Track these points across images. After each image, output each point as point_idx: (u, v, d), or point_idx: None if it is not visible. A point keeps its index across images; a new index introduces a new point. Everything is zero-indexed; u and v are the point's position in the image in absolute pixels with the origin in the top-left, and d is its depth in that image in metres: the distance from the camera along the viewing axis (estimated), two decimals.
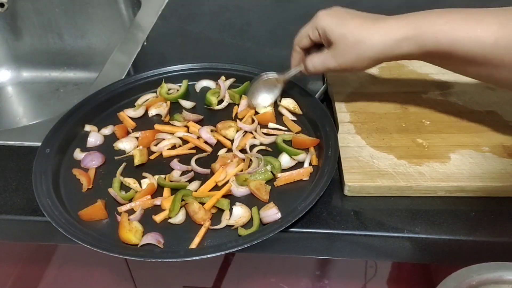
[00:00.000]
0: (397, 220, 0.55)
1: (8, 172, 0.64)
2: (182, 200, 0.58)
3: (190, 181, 0.61)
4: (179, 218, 0.56)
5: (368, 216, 0.56)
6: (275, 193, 0.59)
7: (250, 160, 0.62)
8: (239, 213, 0.56)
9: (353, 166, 0.59)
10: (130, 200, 0.59)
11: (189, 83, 0.76)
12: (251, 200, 0.58)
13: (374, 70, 0.75)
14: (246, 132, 0.67)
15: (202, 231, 0.54)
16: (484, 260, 0.50)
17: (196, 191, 0.59)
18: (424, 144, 0.62)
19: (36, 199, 0.56)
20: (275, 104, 0.72)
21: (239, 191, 0.58)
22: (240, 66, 0.75)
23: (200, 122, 0.70)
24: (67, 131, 0.67)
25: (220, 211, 0.57)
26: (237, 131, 0.67)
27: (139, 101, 0.74)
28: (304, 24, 0.63)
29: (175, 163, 0.63)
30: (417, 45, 0.54)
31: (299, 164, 0.62)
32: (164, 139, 0.67)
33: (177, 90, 0.75)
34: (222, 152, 0.65)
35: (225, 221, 0.55)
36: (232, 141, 0.66)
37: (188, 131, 0.68)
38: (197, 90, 0.77)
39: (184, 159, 0.64)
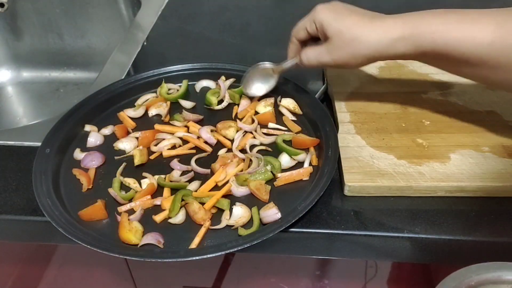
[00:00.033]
0: (397, 220, 0.55)
1: (8, 172, 0.64)
2: (182, 200, 0.58)
3: (190, 181, 0.61)
4: (179, 218, 0.56)
5: (368, 216, 0.56)
6: (275, 193, 0.59)
7: (250, 160, 0.62)
8: (239, 213, 0.56)
9: (353, 166, 0.59)
10: (130, 200, 0.59)
11: (189, 83, 0.76)
12: (251, 200, 0.58)
13: (374, 70, 0.75)
14: (246, 132, 0.67)
15: (202, 231, 0.54)
16: (484, 260, 0.50)
17: (196, 191, 0.59)
18: (424, 144, 0.62)
19: (36, 199, 0.56)
20: (275, 104, 0.72)
21: (239, 191, 0.58)
22: (240, 66, 0.75)
23: (200, 122, 0.70)
24: (67, 131, 0.67)
25: (220, 211, 0.57)
26: (237, 131, 0.67)
27: (139, 101, 0.74)
28: None
29: (175, 163, 0.63)
30: (413, 45, 0.54)
31: (299, 164, 0.62)
32: (164, 139, 0.67)
33: (177, 90, 0.75)
34: (222, 152, 0.65)
35: (225, 221, 0.55)
36: (232, 141, 0.66)
37: (188, 131, 0.68)
38: (197, 90, 0.77)
39: (184, 159, 0.64)
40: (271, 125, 0.68)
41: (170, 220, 0.56)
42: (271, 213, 0.55)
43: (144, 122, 0.71)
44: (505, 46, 0.49)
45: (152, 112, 0.72)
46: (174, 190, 0.59)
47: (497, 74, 0.52)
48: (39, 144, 0.64)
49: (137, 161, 0.63)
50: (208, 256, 0.50)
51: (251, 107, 0.70)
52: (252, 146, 0.66)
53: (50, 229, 0.54)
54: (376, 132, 0.64)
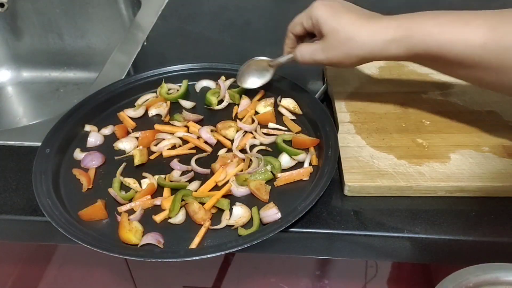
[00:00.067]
0: (397, 220, 0.55)
1: (8, 172, 0.64)
2: (182, 200, 0.58)
3: (190, 181, 0.61)
4: (179, 218, 0.56)
5: (368, 216, 0.56)
6: (275, 193, 0.59)
7: (250, 160, 0.62)
8: (239, 213, 0.56)
9: (353, 166, 0.59)
10: (130, 200, 0.59)
11: (189, 83, 0.76)
12: (251, 200, 0.58)
13: (374, 70, 0.75)
14: (246, 132, 0.67)
15: (202, 231, 0.54)
16: (484, 260, 0.50)
17: (196, 191, 0.59)
18: (424, 144, 0.62)
19: (36, 199, 0.56)
20: (275, 104, 0.72)
21: (239, 191, 0.58)
22: (240, 67, 0.75)
23: (200, 122, 0.70)
24: (67, 131, 0.67)
25: (220, 211, 0.57)
26: (237, 131, 0.67)
27: (139, 101, 0.74)
28: None
29: (175, 163, 0.63)
30: (406, 47, 0.54)
31: (299, 164, 0.62)
32: (164, 139, 0.67)
33: (177, 90, 0.75)
34: (222, 152, 0.65)
35: (225, 221, 0.55)
36: (232, 141, 0.66)
37: (188, 131, 0.68)
38: (197, 90, 0.77)
39: (184, 159, 0.64)
40: (271, 125, 0.68)
41: (170, 220, 0.56)
42: (271, 213, 0.55)
43: (144, 122, 0.71)
44: (497, 47, 0.49)
45: (152, 112, 0.72)
46: (174, 190, 0.59)
47: (490, 76, 0.52)
48: (39, 144, 0.64)
49: (137, 161, 0.63)
50: (208, 256, 0.50)
51: (251, 107, 0.71)
52: (252, 146, 0.66)
53: (50, 229, 0.54)
54: (376, 132, 0.64)
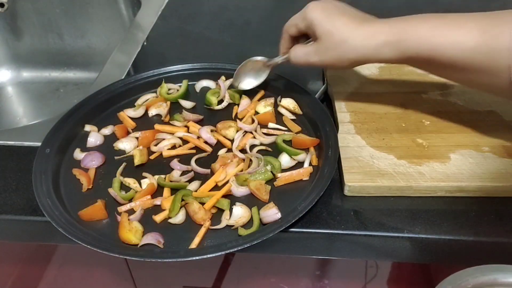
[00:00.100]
0: (397, 220, 0.55)
1: (8, 172, 0.64)
2: (182, 200, 0.58)
3: (190, 181, 0.61)
4: (179, 218, 0.56)
5: (368, 216, 0.56)
6: (275, 193, 0.59)
7: (250, 160, 0.62)
8: (239, 213, 0.56)
9: (353, 166, 0.59)
10: (130, 200, 0.59)
11: (189, 83, 0.76)
12: (251, 200, 0.58)
13: (374, 70, 0.75)
14: (246, 132, 0.67)
15: (202, 231, 0.54)
16: (484, 260, 0.50)
17: (196, 191, 0.59)
18: (424, 144, 0.62)
19: (36, 199, 0.56)
20: (275, 104, 0.72)
21: (239, 191, 0.58)
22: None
23: (200, 122, 0.70)
24: (67, 131, 0.67)
25: (220, 211, 0.57)
26: (237, 131, 0.67)
27: (139, 101, 0.74)
28: None
29: (175, 163, 0.63)
30: (398, 50, 0.54)
31: (299, 164, 0.62)
32: (164, 139, 0.67)
33: (177, 90, 0.75)
34: (222, 152, 0.65)
35: (225, 221, 0.55)
36: (232, 141, 0.66)
37: (188, 131, 0.68)
38: (197, 90, 0.77)
39: (184, 159, 0.64)
40: (271, 125, 0.68)
41: (170, 220, 0.56)
42: (271, 213, 0.55)
43: (144, 122, 0.71)
44: (489, 50, 0.49)
45: (152, 112, 0.72)
46: (174, 190, 0.59)
47: (482, 78, 0.52)
48: (39, 144, 0.64)
49: (137, 161, 0.63)
50: (208, 256, 0.50)
51: (251, 107, 0.71)
52: (252, 146, 0.66)
53: (50, 229, 0.54)
54: (376, 132, 0.64)
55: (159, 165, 0.64)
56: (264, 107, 0.71)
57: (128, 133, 0.69)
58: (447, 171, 0.58)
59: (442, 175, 0.57)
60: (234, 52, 0.88)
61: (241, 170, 0.61)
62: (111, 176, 0.62)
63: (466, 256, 0.55)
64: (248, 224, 0.55)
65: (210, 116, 0.71)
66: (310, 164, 0.62)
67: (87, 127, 0.69)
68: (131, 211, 0.57)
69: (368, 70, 0.75)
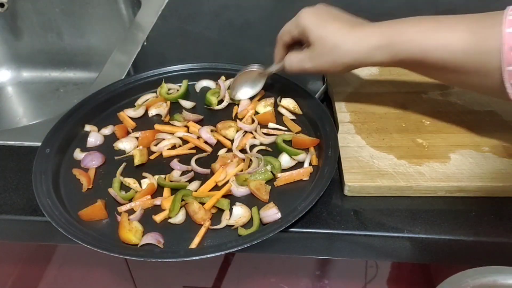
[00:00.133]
0: (397, 220, 0.55)
1: (8, 172, 0.64)
2: (182, 200, 0.58)
3: (190, 181, 0.61)
4: (179, 218, 0.56)
5: (368, 216, 0.56)
6: (275, 193, 0.59)
7: (250, 160, 0.62)
8: (239, 213, 0.56)
9: (353, 166, 0.59)
10: (130, 200, 0.59)
11: (189, 83, 0.76)
12: (251, 200, 0.58)
13: (374, 70, 0.75)
14: (246, 132, 0.67)
15: (202, 231, 0.54)
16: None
17: (196, 191, 0.59)
18: (424, 144, 0.62)
19: (36, 199, 0.56)
20: (275, 104, 0.72)
21: (239, 191, 0.58)
22: (240, 66, 0.75)
23: (200, 122, 0.70)
24: (67, 131, 0.67)
25: (220, 211, 0.57)
26: (237, 131, 0.67)
27: (139, 101, 0.74)
28: None
29: (175, 163, 0.63)
30: (390, 53, 0.55)
31: (299, 164, 0.62)
32: (164, 139, 0.67)
33: (177, 90, 0.75)
34: (222, 152, 0.65)
35: (225, 221, 0.55)
36: (232, 141, 0.66)
37: (188, 131, 0.68)
38: (197, 90, 0.77)
39: (184, 159, 0.64)
40: (271, 125, 0.68)
41: (170, 220, 0.56)
42: (271, 213, 0.55)
43: (144, 122, 0.71)
44: (479, 51, 0.49)
45: (152, 112, 0.72)
46: (174, 190, 0.59)
47: (473, 79, 0.52)
48: (39, 144, 0.64)
49: (137, 161, 0.63)
50: (208, 256, 0.50)
51: (251, 107, 0.71)
52: (252, 146, 0.66)
53: (50, 229, 0.54)
54: (376, 132, 0.64)
55: (159, 165, 0.64)
56: (264, 107, 0.71)
57: (128, 133, 0.69)
58: (447, 171, 0.58)
59: (442, 175, 0.57)
60: (234, 52, 0.88)
61: (241, 170, 0.61)
62: (111, 176, 0.62)
63: (466, 256, 0.55)
64: (248, 224, 0.55)
65: (210, 116, 0.71)
66: (310, 164, 0.62)
67: (87, 127, 0.69)
68: (131, 211, 0.57)
69: (368, 70, 0.75)
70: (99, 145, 0.67)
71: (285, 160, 0.62)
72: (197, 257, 0.50)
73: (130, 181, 0.61)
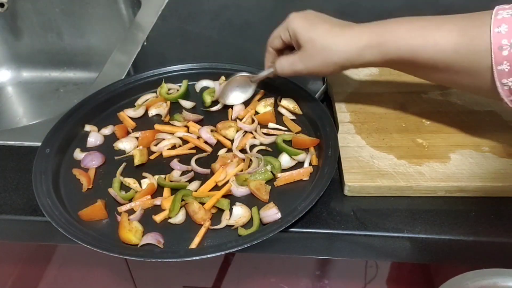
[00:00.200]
0: (397, 220, 0.55)
1: (8, 172, 0.64)
2: (182, 200, 0.58)
3: (190, 181, 0.61)
4: (179, 218, 0.56)
5: (368, 216, 0.56)
6: (275, 193, 0.59)
7: (250, 160, 0.62)
8: (239, 213, 0.56)
9: (353, 166, 0.59)
10: (130, 200, 0.59)
11: (189, 83, 0.76)
12: (251, 200, 0.58)
13: (374, 70, 0.75)
14: (246, 132, 0.67)
15: (202, 231, 0.54)
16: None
17: (196, 191, 0.59)
18: (424, 144, 0.62)
19: (36, 199, 0.56)
20: (275, 104, 0.72)
21: (239, 191, 0.58)
22: (240, 66, 0.75)
23: (200, 122, 0.70)
24: (67, 131, 0.67)
25: (220, 211, 0.57)
26: (237, 131, 0.67)
27: (139, 101, 0.74)
28: None
29: (175, 163, 0.63)
30: (380, 53, 0.55)
31: (299, 164, 0.62)
32: (164, 139, 0.67)
33: (177, 90, 0.75)
34: (222, 152, 0.65)
35: (225, 221, 0.55)
36: (232, 141, 0.66)
37: (188, 131, 0.68)
38: (197, 90, 0.77)
39: (184, 159, 0.64)
40: (271, 125, 0.68)
41: (170, 220, 0.56)
42: (271, 213, 0.55)
43: (144, 122, 0.71)
44: (468, 51, 0.50)
45: (152, 112, 0.72)
46: (174, 190, 0.59)
47: (463, 78, 0.52)
48: (39, 144, 0.64)
49: (137, 161, 0.63)
50: (208, 256, 0.50)
51: (251, 107, 0.71)
52: (252, 146, 0.66)
53: (50, 229, 0.54)
54: (376, 132, 0.64)
55: (159, 165, 0.64)
56: (264, 107, 0.71)
57: (128, 133, 0.69)
58: (447, 171, 0.58)
59: (442, 175, 0.57)
60: (234, 52, 0.88)
61: (241, 170, 0.61)
62: (111, 176, 0.62)
63: (466, 256, 0.55)
64: (248, 224, 0.55)
65: (210, 116, 0.71)
66: (310, 164, 0.62)
67: (87, 127, 0.69)
68: (131, 211, 0.57)
69: (368, 70, 0.75)
70: (99, 145, 0.67)
71: (285, 160, 0.62)
72: (197, 257, 0.50)
73: (130, 181, 0.61)
